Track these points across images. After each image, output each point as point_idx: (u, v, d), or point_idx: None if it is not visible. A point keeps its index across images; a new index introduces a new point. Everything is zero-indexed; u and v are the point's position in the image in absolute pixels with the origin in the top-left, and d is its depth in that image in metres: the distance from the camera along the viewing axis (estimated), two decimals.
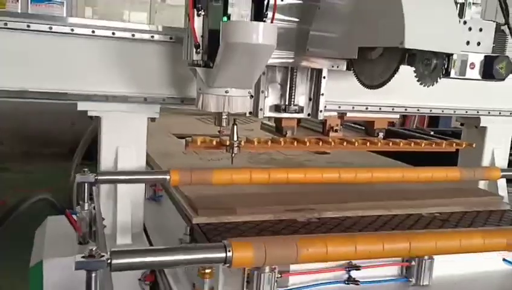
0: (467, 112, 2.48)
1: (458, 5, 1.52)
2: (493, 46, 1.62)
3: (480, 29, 1.52)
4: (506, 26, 1.59)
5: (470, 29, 1.51)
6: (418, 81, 1.48)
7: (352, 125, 2.67)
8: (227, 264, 1.14)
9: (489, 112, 2.52)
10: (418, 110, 2.42)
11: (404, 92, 2.26)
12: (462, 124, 2.74)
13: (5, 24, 1.74)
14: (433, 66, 1.41)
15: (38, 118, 8.22)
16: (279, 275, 1.42)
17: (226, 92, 1.70)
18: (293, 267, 1.46)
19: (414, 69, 1.48)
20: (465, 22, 1.50)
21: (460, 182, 2.33)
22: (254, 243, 1.16)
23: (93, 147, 2.49)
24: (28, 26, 1.77)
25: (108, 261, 1.06)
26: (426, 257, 1.54)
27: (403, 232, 1.37)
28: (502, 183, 2.55)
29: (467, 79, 1.50)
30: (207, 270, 1.40)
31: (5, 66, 1.79)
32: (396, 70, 1.55)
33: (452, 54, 1.41)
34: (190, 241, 1.71)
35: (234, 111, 1.75)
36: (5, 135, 8.35)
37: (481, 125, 2.55)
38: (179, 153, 2.66)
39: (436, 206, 2.08)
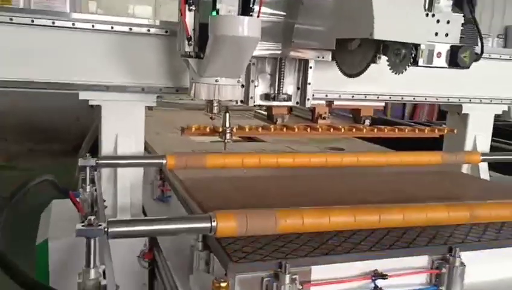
0: (448, 99, 2.60)
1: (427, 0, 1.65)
2: (463, 37, 1.74)
3: (448, 22, 1.64)
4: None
5: (438, 21, 1.63)
6: (390, 69, 1.62)
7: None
8: (212, 233, 1.28)
9: (470, 100, 2.64)
10: (402, 98, 2.54)
11: (388, 80, 2.35)
12: (446, 112, 2.86)
13: (11, 19, 1.88)
14: (402, 55, 1.54)
15: (42, 114, 8.29)
16: (300, 286, 1.31)
17: (216, 81, 1.84)
18: (314, 276, 1.35)
19: (387, 58, 1.62)
20: (433, 15, 1.63)
21: (442, 165, 2.47)
22: (237, 215, 1.30)
23: (98, 143, 2.60)
24: (32, 21, 1.91)
25: (105, 229, 1.21)
26: (457, 264, 1.45)
27: (374, 205, 1.49)
28: (483, 166, 2.67)
29: (434, 67, 1.63)
30: (222, 284, 1.25)
31: (12, 59, 1.93)
32: (372, 59, 1.68)
33: (419, 44, 1.54)
34: (203, 248, 1.49)
35: (224, 99, 1.88)
36: (10, 132, 8.40)
37: (463, 112, 2.67)
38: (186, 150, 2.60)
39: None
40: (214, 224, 1.28)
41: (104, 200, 2.13)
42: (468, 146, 2.73)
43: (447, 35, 1.65)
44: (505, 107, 2.77)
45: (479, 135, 2.71)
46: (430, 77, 2.48)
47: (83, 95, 2.06)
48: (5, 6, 1.95)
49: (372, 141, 3.39)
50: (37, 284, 1.66)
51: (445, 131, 2.56)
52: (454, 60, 1.60)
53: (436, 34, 1.64)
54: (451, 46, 1.62)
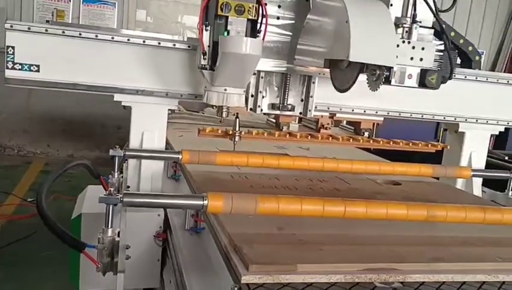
0: (444, 118, 2.83)
1: (405, 29, 1.92)
2: (442, 62, 2.01)
3: (423, 48, 1.91)
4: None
5: (413, 47, 1.91)
6: (368, 86, 1.90)
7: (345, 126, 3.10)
8: (203, 209, 1.61)
9: (466, 119, 2.85)
10: (400, 114, 2.79)
11: (387, 97, 2.65)
12: (445, 129, 3.07)
13: (63, 32, 2.30)
14: (377, 75, 1.82)
15: (85, 120, 8.47)
16: None
17: (225, 89, 2.18)
18: None
19: (366, 76, 1.91)
20: (409, 42, 1.91)
21: (432, 177, 2.69)
22: (224, 196, 1.62)
23: None
24: (80, 34, 2.32)
25: (121, 199, 1.56)
26: None
27: (343, 199, 1.75)
28: (477, 182, 2.87)
29: (406, 86, 1.90)
30: None
31: (61, 65, 2.35)
32: (356, 77, 1.97)
33: (392, 67, 1.82)
34: None
35: (231, 105, 2.22)
36: (51, 138, 8.59)
37: (460, 130, 2.89)
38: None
39: None
40: (205, 202, 1.60)
41: (129, 186, 2.52)
42: (463, 163, 2.93)
43: (421, 59, 1.92)
44: (502, 128, 2.96)
45: (474, 152, 2.91)
46: (428, 95, 2.71)
47: (117, 97, 2.45)
48: (59, 22, 2.37)
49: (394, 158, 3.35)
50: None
51: (439, 146, 2.78)
52: (423, 81, 1.86)
53: (412, 58, 1.91)
54: (421, 69, 1.89)
